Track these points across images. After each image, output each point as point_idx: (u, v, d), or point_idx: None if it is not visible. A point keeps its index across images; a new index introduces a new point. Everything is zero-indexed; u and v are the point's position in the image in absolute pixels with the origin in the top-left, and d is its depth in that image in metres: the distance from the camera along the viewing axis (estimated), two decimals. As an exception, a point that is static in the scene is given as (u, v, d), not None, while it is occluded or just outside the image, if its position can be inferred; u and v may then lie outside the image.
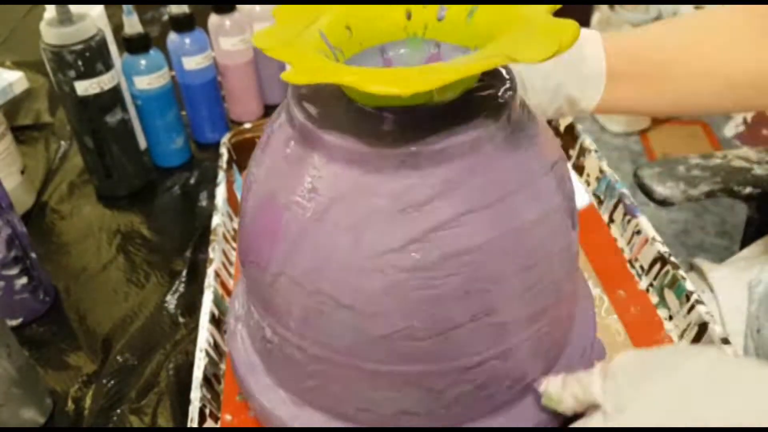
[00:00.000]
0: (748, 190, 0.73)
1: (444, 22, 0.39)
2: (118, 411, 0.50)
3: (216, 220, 0.60)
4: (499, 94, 0.38)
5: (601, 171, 0.63)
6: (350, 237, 0.35)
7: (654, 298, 0.53)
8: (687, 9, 1.64)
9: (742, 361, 0.35)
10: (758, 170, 0.74)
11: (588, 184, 0.65)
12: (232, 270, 0.59)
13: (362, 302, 0.36)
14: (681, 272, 0.51)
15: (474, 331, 0.36)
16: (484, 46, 0.37)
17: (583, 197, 0.63)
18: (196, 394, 0.45)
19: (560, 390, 0.39)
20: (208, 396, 0.46)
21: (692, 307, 0.49)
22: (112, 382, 0.53)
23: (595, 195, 0.63)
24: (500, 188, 0.36)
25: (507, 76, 0.39)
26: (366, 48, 0.40)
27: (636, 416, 0.34)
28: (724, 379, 0.33)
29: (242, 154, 0.71)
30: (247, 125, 0.72)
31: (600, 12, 1.80)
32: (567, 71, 0.53)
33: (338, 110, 0.37)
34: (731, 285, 0.63)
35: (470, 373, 0.38)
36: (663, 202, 0.73)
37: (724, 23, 0.54)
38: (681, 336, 0.50)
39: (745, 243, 0.80)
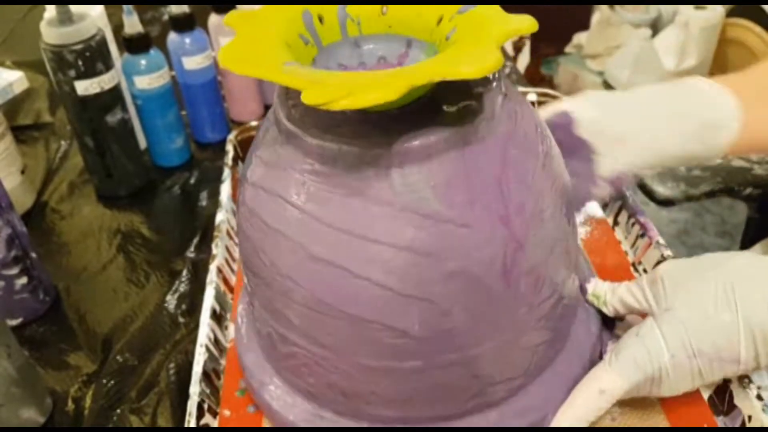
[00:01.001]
0: (748, 190, 0.73)
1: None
2: (118, 411, 0.50)
3: (220, 216, 0.60)
4: (476, 90, 0.38)
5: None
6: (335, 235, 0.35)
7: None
8: (687, 9, 1.64)
9: None
10: (758, 170, 0.74)
11: None
12: (234, 266, 0.59)
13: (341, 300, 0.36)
14: None
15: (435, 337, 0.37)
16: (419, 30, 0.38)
17: (596, 209, 0.63)
18: (195, 388, 0.45)
19: (609, 293, 0.44)
20: (207, 391, 0.46)
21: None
22: (112, 382, 0.53)
23: (599, 196, 0.63)
24: (487, 182, 0.36)
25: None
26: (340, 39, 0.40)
27: (682, 311, 0.38)
28: (761, 270, 0.37)
29: (248, 151, 0.71)
30: (254, 123, 0.73)
31: (600, 12, 1.80)
32: (696, 122, 0.47)
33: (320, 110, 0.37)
34: None
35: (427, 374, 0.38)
36: (664, 202, 0.73)
37: None
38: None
39: (744, 243, 0.80)
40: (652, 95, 0.49)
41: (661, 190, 0.72)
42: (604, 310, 0.45)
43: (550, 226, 0.38)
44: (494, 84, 0.38)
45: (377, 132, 0.35)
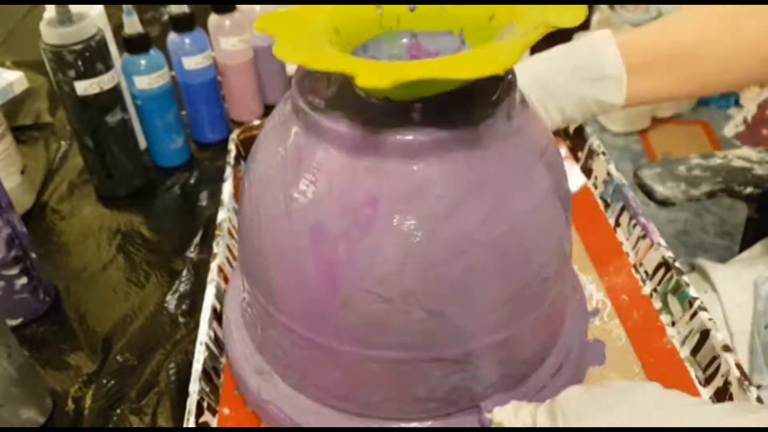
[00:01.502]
0: (749, 190, 0.72)
1: (417, 12, 0.41)
2: (118, 411, 0.50)
3: (221, 215, 0.60)
4: (500, 83, 0.38)
5: (609, 174, 0.62)
6: (346, 223, 0.36)
7: (657, 304, 0.53)
8: (687, 9, 1.64)
9: (682, 398, 0.34)
10: (759, 170, 0.73)
11: (595, 186, 0.65)
12: (236, 265, 0.59)
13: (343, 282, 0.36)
14: (685, 278, 0.51)
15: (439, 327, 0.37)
16: (473, 27, 0.38)
17: (577, 179, 0.63)
18: (194, 386, 0.45)
19: (511, 418, 0.38)
20: (207, 389, 0.46)
21: (695, 314, 0.49)
22: (112, 382, 0.53)
23: (602, 198, 0.63)
24: (495, 181, 0.36)
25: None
26: (354, 47, 0.41)
27: None
28: (655, 416, 0.33)
29: (250, 150, 0.71)
30: (256, 122, 0.73)
31: (600, 12, 1.80)
32: (585, 76, 0.56)
33: (343, 99, 0.38)
34: (734, 283, 0.63)
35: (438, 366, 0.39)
36: (664, 203, 0.73)
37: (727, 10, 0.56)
38: (683, 343, 0.50)
39: (744, 243, 0.80)
40: (561, 68, 0.57)
41: (661, 189, 0.72)
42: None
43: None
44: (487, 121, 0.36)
45: (387, 120, 0.36)
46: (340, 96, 0.38)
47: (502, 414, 0.39)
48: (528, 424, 0.37)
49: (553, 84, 0.56)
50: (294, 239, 0.37)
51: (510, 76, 0.39)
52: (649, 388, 0.35)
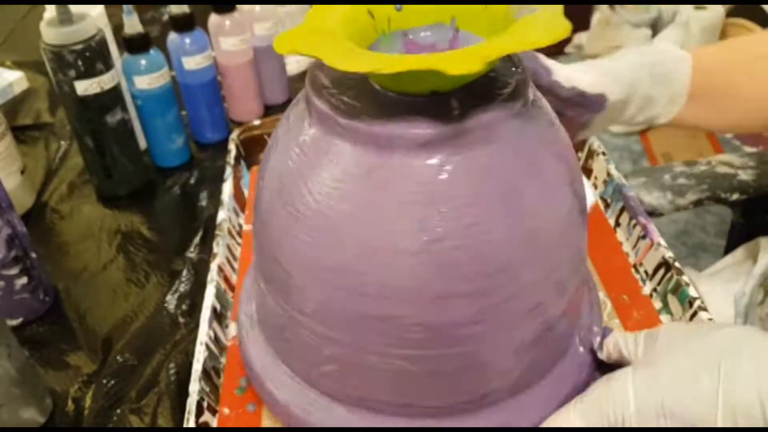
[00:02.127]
0: (734, 196, 0.72)
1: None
2: (118, 411, 0.50)
3: (222, 215, 0.60)
4: (513, 80, 0.38)
5: (609, 174, 0.62)
6: (369, 222, 0.35)
7: (657, 304, 0.53)
8: (687, 9, 1.64)
9: None
10: (743, 176, 0.73)
11: (595, 186, 0.65)
12: (236, 265, 0.59)
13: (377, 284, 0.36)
14: (685, 278, 0.50)
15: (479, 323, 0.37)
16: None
17: (589, 197, 0.63)
18: (194, 386, 0.45)
19: (622, 347, 0.42)
20: (207, 389, 0.46)
21: (695, 314, 0.49)
22: (112, 382, 0.53)
23: (602, 198, 0.63)
24: (514, 174, 0.36)
25: (517, 63, 0.40)
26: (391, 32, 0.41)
27: (663, 369, 0.36)
28: (754, 344, 0.35)
29: (250, 150, 0.72)
30: (256, 122, 0.73)
31: (600, 12, 1.80)
32: (658, 86, 0.55)
33: (358, 94, 0.38)
34: (720, 299, 0.63)
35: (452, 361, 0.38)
36: (651, 214, 0.72)
37: None
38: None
39: (729, 248, 0.80)
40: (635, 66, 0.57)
41: (648, 200, 0.71)
42: (599, 354, 0.43)
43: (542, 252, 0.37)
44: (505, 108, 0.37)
45: (399, 116, 0.36)
46: (354, 91, 0.38)
47: (611, 343, 0.43)
48: (619, 344, 0.41)
49: (638, 80, 0.55)
50: (309, 239, 0.37)
51: (523, 72, 0.39)
52: (744, 327, 0.38)
